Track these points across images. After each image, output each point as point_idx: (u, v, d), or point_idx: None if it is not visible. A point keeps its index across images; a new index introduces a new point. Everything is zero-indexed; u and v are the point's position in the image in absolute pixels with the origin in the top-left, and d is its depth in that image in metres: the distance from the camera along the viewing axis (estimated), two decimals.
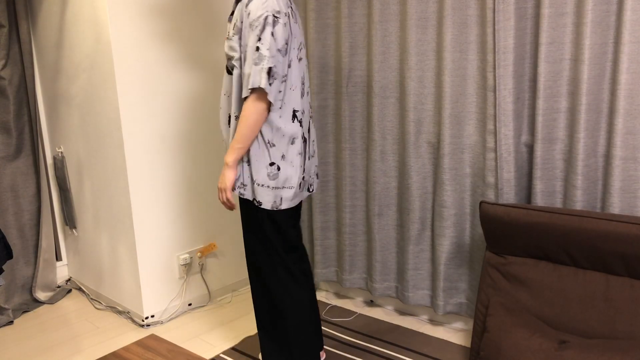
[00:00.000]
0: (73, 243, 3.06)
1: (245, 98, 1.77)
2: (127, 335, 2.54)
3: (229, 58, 1.83)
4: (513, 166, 2.11)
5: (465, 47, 2.16)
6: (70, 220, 2.98)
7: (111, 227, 2.68)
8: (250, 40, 1.72)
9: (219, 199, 1.90)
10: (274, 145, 1.84)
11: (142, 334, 2.56)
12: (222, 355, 2.33)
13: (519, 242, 1.94)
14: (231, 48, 1.81)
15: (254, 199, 1.87)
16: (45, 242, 2.92)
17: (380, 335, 2.45)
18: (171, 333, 2.56)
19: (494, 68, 2.06)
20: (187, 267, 2.74)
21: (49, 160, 3.04)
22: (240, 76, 1.81)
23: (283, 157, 1.85)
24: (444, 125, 2.25)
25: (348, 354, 2.30)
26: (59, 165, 2.93)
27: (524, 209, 1.91)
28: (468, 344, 2.35)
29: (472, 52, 2.16)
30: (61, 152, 2.93)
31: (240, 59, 1.80)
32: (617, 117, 1.84)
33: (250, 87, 1.72)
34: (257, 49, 1.71)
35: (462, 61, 2.18)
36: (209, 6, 2.66)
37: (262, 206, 1.87)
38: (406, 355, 2.27)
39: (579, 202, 1.97)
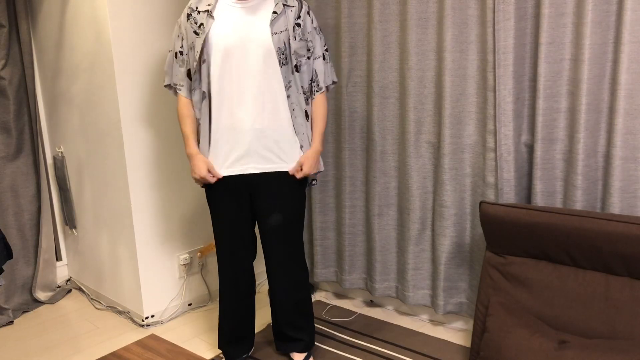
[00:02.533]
0: (73, 243, 3.06)
1: (310, 91, 2.07)
2: (127, 335, 2.54)
3: (300, 56, 2.00)
4: (513, 166, 2.11)
5: (466, 47, 2.16)
6: (70, 220, 2.98)
7: (111, 227, 2.68)
8: (321, 41, 2.06)
9: (297, 176, 2.06)
10: None
11: (142, 334, 2.56)
12: (222, 355, 2.33)
13: (519, 242, 1.93)
14: (302, 47, 2.01)
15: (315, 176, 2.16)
16: (45, 242, 2.92)
17: (380, 335, 2.45)
18: (171, 333, 2.56)
19: (494, 68, 2.06)
20: (187, 267, 2.74)
21: (49, 160, 3.04)
22: (301, 73, 2.03)
23: None
24: (444, 125, 2.25)
25: (348, 354, 2.30)
26: (59, 165, 2.93)
27: (524, 209, 1.91)
28: (468, 344, 2.35)
29: (472, 52, 2.16)
30: (61, 152, 2.93)
31: (305, 56, 2.02)
32: (617, 117, 1.84)
33: (333, 81, 2.11)
34: (327, 49, 2.08)
35: (462, 61, 2.18)
36: None
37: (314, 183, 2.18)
38: (406, 355, 2.27)
39: (579, 202, 1.97)
